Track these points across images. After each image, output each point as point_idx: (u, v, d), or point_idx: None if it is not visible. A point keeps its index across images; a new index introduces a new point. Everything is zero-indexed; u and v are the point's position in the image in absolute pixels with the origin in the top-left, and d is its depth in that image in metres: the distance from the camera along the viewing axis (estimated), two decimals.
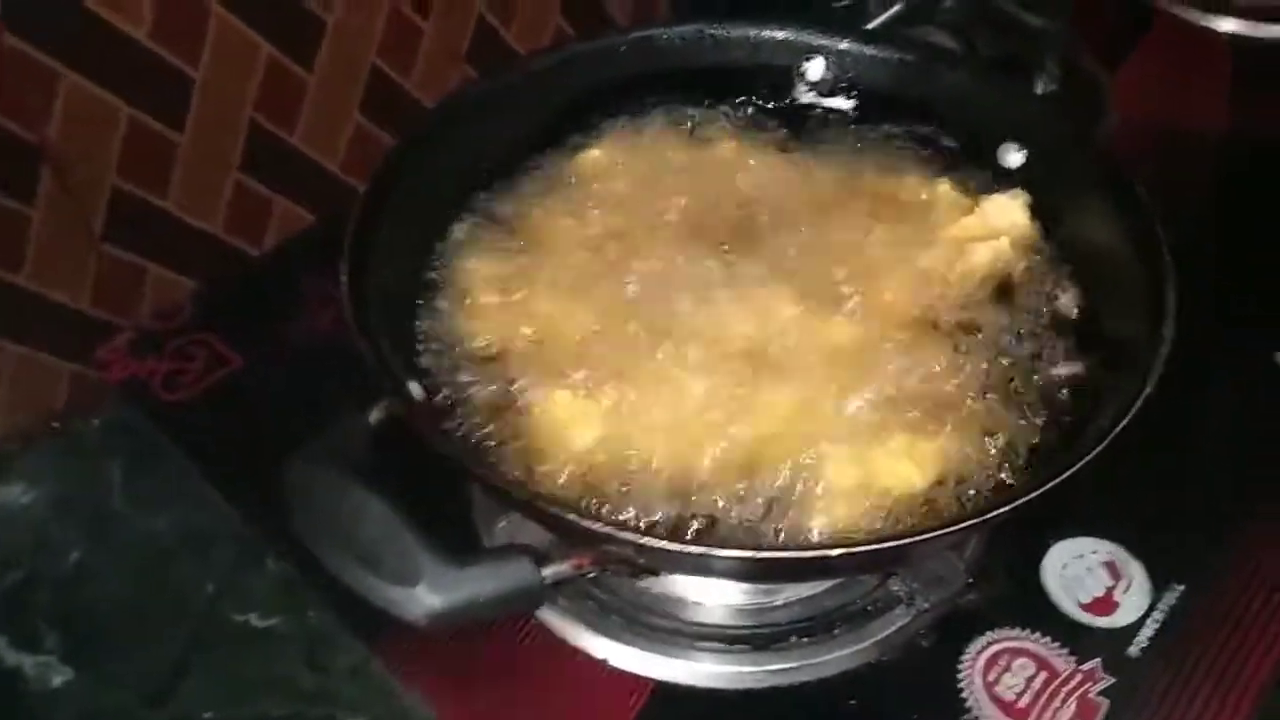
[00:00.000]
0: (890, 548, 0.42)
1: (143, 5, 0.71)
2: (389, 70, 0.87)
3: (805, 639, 0.56)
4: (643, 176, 0.65)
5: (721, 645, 0.56)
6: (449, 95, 0.65)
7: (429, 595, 0.40)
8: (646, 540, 0.41)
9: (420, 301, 0.58)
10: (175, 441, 0.68)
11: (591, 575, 0.44)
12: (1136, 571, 0.58)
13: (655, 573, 0.46)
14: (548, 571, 0.42)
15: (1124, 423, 0.44)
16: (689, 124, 0.68)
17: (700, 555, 0.41)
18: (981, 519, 0.43)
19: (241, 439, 0.67)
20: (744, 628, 0.56)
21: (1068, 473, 0.43)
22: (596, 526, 0.42)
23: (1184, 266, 0.52)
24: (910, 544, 0.42)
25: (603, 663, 0.56)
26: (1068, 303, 0.57)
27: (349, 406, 0.47)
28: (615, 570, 0.43)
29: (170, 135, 0.76)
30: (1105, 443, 0.43)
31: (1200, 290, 0.52)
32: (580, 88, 0.67)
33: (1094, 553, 0.59)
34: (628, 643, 0.56)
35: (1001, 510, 0.42)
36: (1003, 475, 0.50)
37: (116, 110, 0.73)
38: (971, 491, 0.49)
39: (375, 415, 0.47)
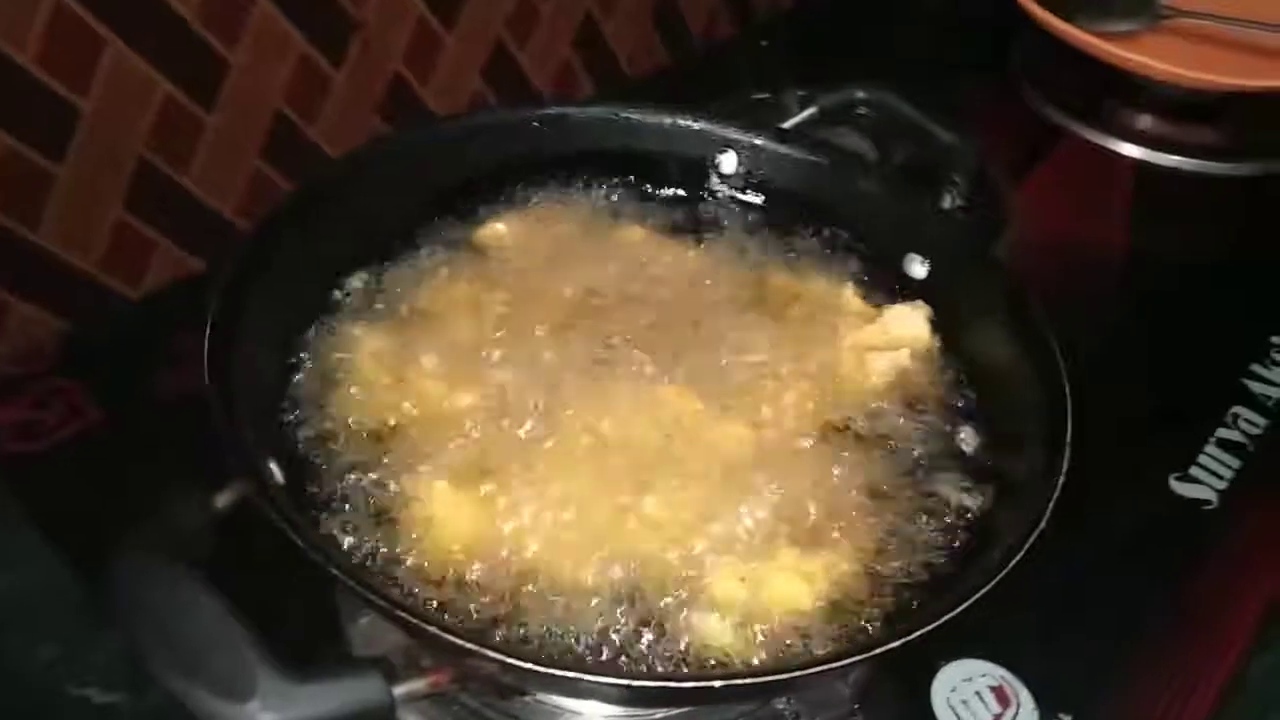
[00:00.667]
0: (772, 681, 0.39)
1: (30, 31, 0.67)
2: (294, 117, 0.83)
3: None
4: (545, 256, 0.62)
5: None
6: (348, 152, 0.62)
7: (262, 713, 0.36)
8: (510, 659, 0.38)
9: (295, 369, 0.54)
10: (20, 497, 0.63)
11: (449, 691, 0.40)
12: (1025, 699, 0.57)
13: (522, 693, 0.42)
14: (400, 689, 0.38)
15: (1015, 560, 0.43)
16: (597, 206, 0.66)
17: (571, 680, 0.38)
18: (867, 654, 0.41)
19: (91, 501, 0.61)
20: None
21: (955, 611, 0.41)
22: (459, 641, 0.38)
23: (1081, 387, 0.52)
24: (794, 678, 0.40)
25: None
26: (965, 420, 0.56)
27: (194, 484, 0.43)
28: (477, 688, 0.40)
29: (47, 165, 0.72)
30: (995, 581, 0.42)
31: (1098, 412, 0.51)
32: (489, 158, 0.65)
33: (983, 676, 0.58)
34: None
35: (888, 646, 0.40)
36: (893, 598, 0.48)
37: None
38: (860, 615, 0.47)
39: (225, 497, 0.43)
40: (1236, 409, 0.74)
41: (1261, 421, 0.73)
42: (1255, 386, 0.76)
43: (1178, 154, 0.96)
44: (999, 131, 0.95)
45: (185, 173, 0.79)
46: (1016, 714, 0.56)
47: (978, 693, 0.57)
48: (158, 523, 0.41)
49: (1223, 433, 0.72)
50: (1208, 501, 0.68)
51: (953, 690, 0.57)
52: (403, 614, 0.39)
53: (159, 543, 0.40)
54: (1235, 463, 0.70)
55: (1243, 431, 0.72)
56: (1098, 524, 0.64)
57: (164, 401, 0.67)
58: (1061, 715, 0.56)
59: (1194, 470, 0.70)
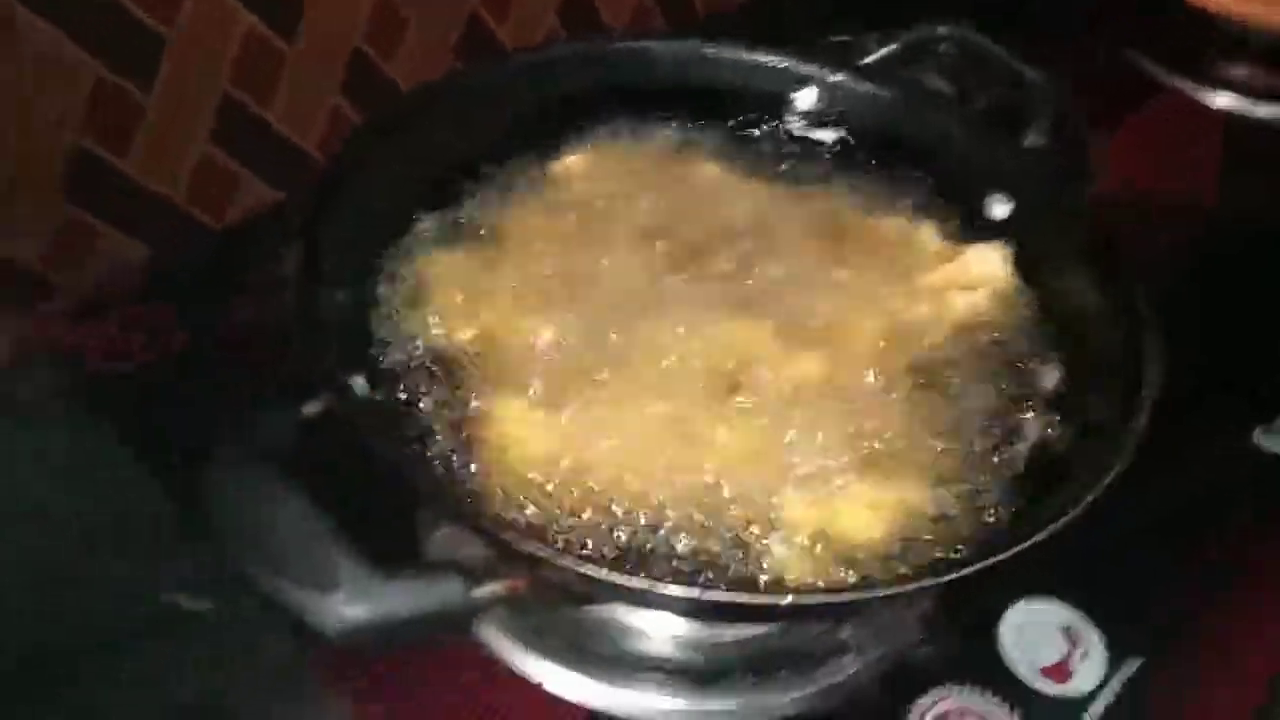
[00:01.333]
0: (839, 603, 0.40)
1: None
2: (373, 54, 0.84)
3: (749, 677, 0.53)
4: (621, 188, 0.62)
5: (662, 676, 0.53)
6: (427, 83, 0.63)
7: (346, 605, 0.37)
8: (586, 568, 0.39)
9: (377, 292, 0.55)
10: (108, 415, 0.65)
11: (525, 599, 0.41)
12: (1095, 640, 0.57)
13: (593, 601, 0.43)
14: (479, 592, 0.39)
15: (1088, 499, 0.42)
16: (674, 140, 0.65)
17: (642, 590, 0.39)
18: (934, 581, 0.40)
19: (176, 420, 0.63)
20: (686, 661, 0.54)
21: (1022, 545, 0.41)
22: (532, 549, 0.39)
23: (1165, 333, 0.50)
24: (860, 600, 0.40)
25: (538, 686, 0.53)
26: (1043, 363, 0.55)
27: (283, 397, 0.45)
28: (552, 596, 0.41)
29: (138, 96, 0.73)
30: (1064, 521, 0.41)
31: (1181, 363, 0.50)
32: (565, 91, 0.65)
33: (1055, 616, 0.57)
34: (565, 666, 0.53)
35: (954, 575, 0.40)
36: (964, 533, 0.48)
37: (84, 65, 0.70)
38: (932, 547, 0.47)
39: (312, 408, 0.44)
40: None
41: None
42: None
43: (1270, 104, 0.92)
44: (1083, 78, 0.92)
45: (267, 107, 0.81)
46: (1086, 654, 0.56)
47: (1046, 632, 0.57)
48: (248, 428, 0.43)
49: None
50: None
51: (1021, 627, 0.57)
52: (479, 521, 0.40)
53: (249, 447, 0.41)
54: None
55: None
56: (1180, 472, 0.62)
57: (245, 327, 0.69)
58: (1132, 658, 0.56)
59: (1278, 423, 0.68)
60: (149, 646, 0.56)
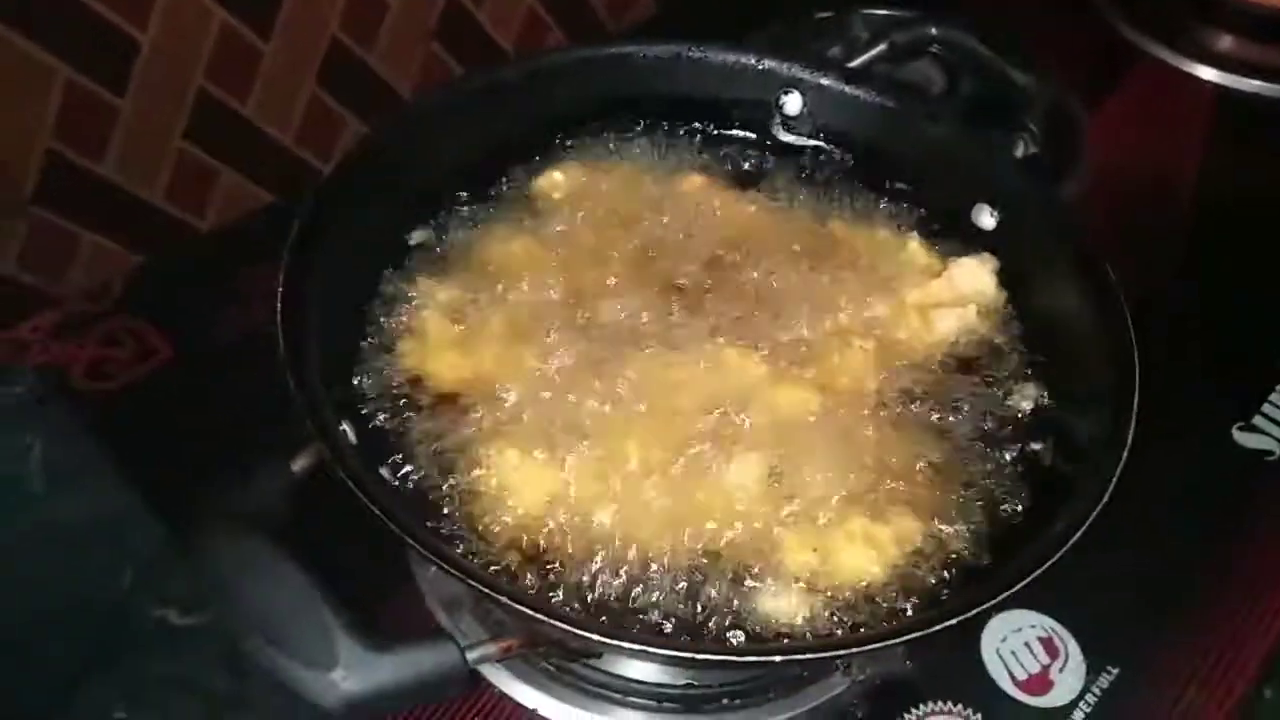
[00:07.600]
0: (835, 656, 0.40)
1: None
2: (350, 42, 0.83)
3: (738, 701, 0.55)
4: (604, 206, 0.62)
5: (652, 703, 0.54)
6: (407, 103, 0.62)
7: (345, 681, 0.38)
8: (582, 631, 0.39)
9: (366, 322, 0.55)
10: (94, 431, 0.65)
11: (520, 655, 0.42)
12: (1074, 650, 0.58)
13: (588, 656, 0.44)
14: (474, 654, 0.40)
15: (1075, 537, 0.43)
16: (659, 152, 0.65)
17: (639, 651, 0.40)
18: (930, 629, 0.41)
19: (166, 437, 0.63)
20: (676, 687, 0.55)
21: (1009, 591, 0.42)
22: (529, 611, 0.40)
23: (1145, 331, 0.51)
24: (857, 653, 0.41)
25: (532, 712, 0.54)
26: (1031, 379, 0.55)
27: (271, 452, 0.45)
28: (547, 652, 0.41)
29: (111, 100, 0.72)
30: (1053, 560, 0.42)
31: (1161, 355, 0.51)
32: (547, 103, 0.64)
33: (1032, 627, 0.59)
34: (556, 694, 0.54)
35: (947, 623, 0.41)
36: (958, 560, 0.49)
37: (54, 71, 0.68)
38: (926, 578, 0.48)
39: (301, 462, 0.44)
40: None
41: None
42: None
43: (1259, 79, 0.92)
44: (1072, 52, 0.92)
45: (244, 103, 0.79)
46: (1064, 665, 0.58)
47: (1026, 643, 0.58)
48: (240, 491, 0.43)
49: None
50: (1270, 453, 0.68)
51: (1002, 640, 0.58)
52: (476, 584, 0.40)
53: (241, 513, 0.41)
54: None
55: None
56: (1156, 474, 0.63)
57: (232, 337, 0.69)
58: (1109, 668, 0.58)
59: (1257, 420, 0.69)
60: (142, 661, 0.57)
